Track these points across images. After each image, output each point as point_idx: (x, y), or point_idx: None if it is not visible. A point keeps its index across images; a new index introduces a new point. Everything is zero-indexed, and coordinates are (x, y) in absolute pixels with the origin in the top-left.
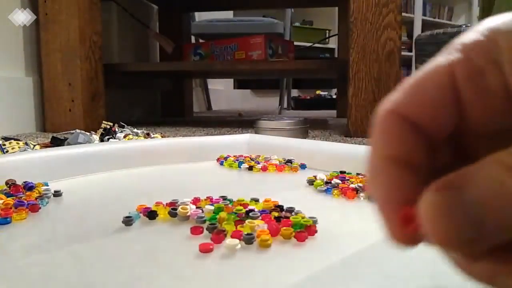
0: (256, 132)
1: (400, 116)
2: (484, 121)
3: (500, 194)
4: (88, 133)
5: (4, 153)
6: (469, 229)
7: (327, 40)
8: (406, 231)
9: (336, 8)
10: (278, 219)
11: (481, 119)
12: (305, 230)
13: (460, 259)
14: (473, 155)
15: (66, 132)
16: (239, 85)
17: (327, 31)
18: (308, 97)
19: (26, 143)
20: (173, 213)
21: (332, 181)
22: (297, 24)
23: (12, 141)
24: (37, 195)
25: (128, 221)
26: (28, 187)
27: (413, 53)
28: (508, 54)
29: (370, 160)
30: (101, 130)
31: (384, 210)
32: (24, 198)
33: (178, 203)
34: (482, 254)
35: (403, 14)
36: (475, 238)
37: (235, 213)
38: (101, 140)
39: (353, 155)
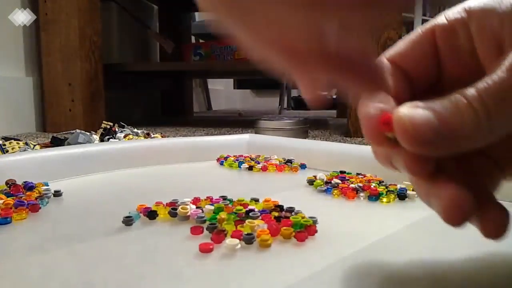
0: (256, 132)
1: (392, 62)
2: (456, 73)
3: (454, 111)
4: (88, 133)
5: (4, 153)
6: (429, 133)
7: None
8: (382, 129)
9: None
10: (278, 219)
11: (454, 70)
12: (305, 230)
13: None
14: None
15: (66, 132)
16: (239, 85)
17: None
18: None
19: (26, 143)
20: (173, 213)
21: (332, 181)
22: None
23: (12, 141)
24: (37, 195)
25: (128, 221)
26: (28, 187)
27: None
28: (475, 23)
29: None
30: (101, 130)
31: (368, 126)
32: (24, 198)
33: (178, 203)
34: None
35: (403, 14)
36: (433, 141)
37: (235, 213)
38: (101, 140)
39: (353, 155)
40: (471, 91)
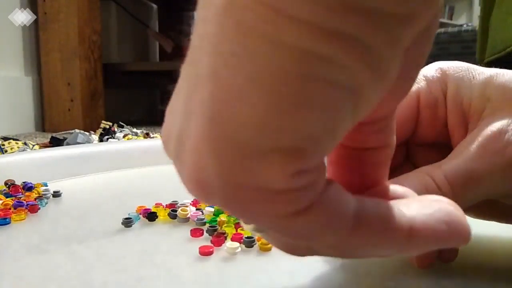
0: None
1: None
2: (427, 135)
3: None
4: (87, 133)
5: (3, 153)
6: None
7: None
8: None
9: None
10: None
11: (426, 134)
12: None
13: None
14: (413, 159)
15: (65, 132)
16: None
17: None
18: None
19: (25, 143)
20: (173, 215)
21: None
22: None
23: (11, 141)
24: (36, 195)
25: (127, 222)
26: (27, 187)
27: None
28: (451, 96)
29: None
30: (100, 130)
31: None
32: (23, 198)
33: (178, 204)
34: None
35: None
36: None
37: None
38: (101, 140)
39: None
40: (439, 175)
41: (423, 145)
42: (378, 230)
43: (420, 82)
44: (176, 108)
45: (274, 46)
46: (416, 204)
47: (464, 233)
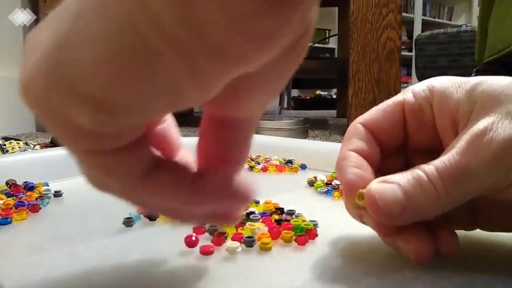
0: (256, 132)
1: (366, 127)
2: (419, 141)
3: (417, 188)
4: None
5: (4, 153)
6: (396, 208)
7: (327, 40)
8: (356, 206)
9: (336, 8)
10: (278, 222)
11: (417, 139)
12: (306, 233)
13: None
14: (411, 164)
15: None
16: None
17: (327, 31)
18: (308, 97)
19: (26, 143)
20: None
21: (333, 182)
22: None
23: (12, 141)
24: (38, 195)
25: (128, 222)
26: (29, 187)
27: (413, 53)
28: (437, 103)
29: (341, 152)
30: None
31: (345, 190)
32: (25, 198)
33: None
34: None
35: (403, 14)
36: (398, 214)
37: None
38: None
39: None
40: (431, 169)
41: (419, 152)
42: (164, 183)
43: (406, 94)
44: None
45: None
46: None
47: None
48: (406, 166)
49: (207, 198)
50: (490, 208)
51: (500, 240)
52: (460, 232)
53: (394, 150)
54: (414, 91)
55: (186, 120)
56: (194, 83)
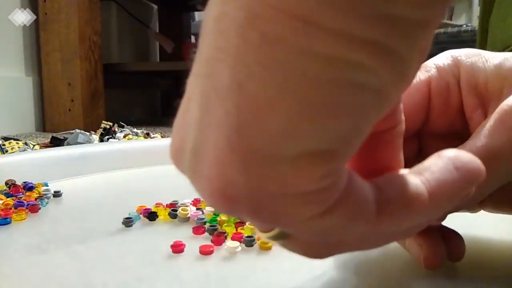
0: None
1: None
2: (440, 125)
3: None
4: (87, 133)
5: (3, 153)
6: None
7: None
8: None
9: None
10: None
11: (439, 122)
12: None
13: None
14: (426, 152)
15: (65, 132)
16: None
17: None
18: None
19: (25, 143)
20: (173, 215)
21: None
22: None
23: (12, 141)
24: (37, 195)
25: (128, 222)
26: (28, 187)
27: None
28: (465, 81)
29: None
30: (100, 130)
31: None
32: (24, 198)
33: (178, 204)
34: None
35: None
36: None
37: None
38: (101, 140)
39: None
40: None
41: (436, 136)
42: (401, 207)
43: (430, 70)
44: (187, 122)
45: (304, 55)
46: (423, 167)
47: (475, 169)
48: (420, 151)
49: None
50: (501, 189)
51: (502, 240)
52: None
53: (410, 134)
54: (438, 66)
55: None
56: (398, 75)
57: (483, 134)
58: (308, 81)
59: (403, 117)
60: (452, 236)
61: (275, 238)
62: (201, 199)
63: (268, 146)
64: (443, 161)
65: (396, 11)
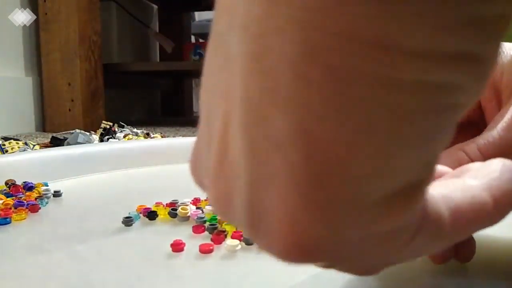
0: None
1: None
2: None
3: (454, 163)
4: (87, 133)
5: (3, 153)
6: None
7: None
8: None
9: None
10: None
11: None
12: None
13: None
14: None
15: (65, 132)
16: None
17: None
18: None
19: (25, 143)
20: (173, 214)
21: None
22: None
23: (12, 141)
24: (37, 195)
25: (128, 221)
26: (28, 187)
27: None
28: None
29: None
30: (100, 130)
31: None
32: (24, 198)
33: (178, 203)
34: None
35: None
36: None
37: None
38: (101, 140)
39: None
40: (472, 148)
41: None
42: (472, 216)
43: None
44: (230, 172)
45: (387, 87)
46: (481, 174)
47: None
48: None
49: None
50: None
51: (502, 240)
52: None
53: None
54: None
55: (186, 120)
56: (483, 82)
57: (500, 127)
58: (395, 115)
59: None
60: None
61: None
62: (201, 199)
63: (351, 193)
64: (497, 169)
65: (492, 10)
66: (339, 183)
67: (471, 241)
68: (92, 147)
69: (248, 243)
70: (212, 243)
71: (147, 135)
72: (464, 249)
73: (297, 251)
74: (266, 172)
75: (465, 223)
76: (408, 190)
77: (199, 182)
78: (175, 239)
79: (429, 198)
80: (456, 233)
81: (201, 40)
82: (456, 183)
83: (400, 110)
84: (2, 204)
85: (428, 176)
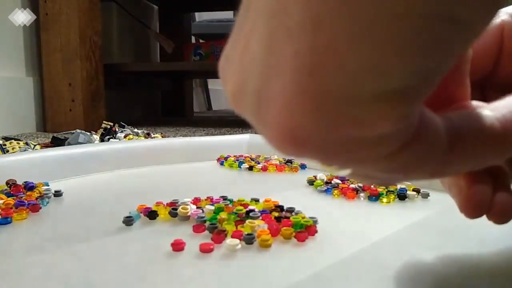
0: (256, 132)
1: None
2: (508, 72)
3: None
4: (88, 133)
5: (4, 153)
6: None
7: None
8: None
9: None
10: (278, 219)
11: (508, 70)
12: (305, 230)
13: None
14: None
15: (66, 132)
16: None
17: None
18: None
19: (26, 143)
20: (173, 213)
21: (332, 181)
22: None
23: (13, 141)
24: (38, 195)
25: (128, 221)
26: (29, 187)
27: None
28: None
29: None
30: (101, 130)
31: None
32: (25, 198)
33: (179, 203)
34: None
35: None
36: None
37: (236, 213)
38: (102, 140)
39: None
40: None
41: (501, 89)
42: (474, 141)
43: (502, 16)
44: (248, 62)
45: None
46: (497, 104)
47: None
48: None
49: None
50: None
51: (503, 241)
52: (462, 232)
53: (476, 82)
54: (510, 13)
55: (186, 120)
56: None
57: None
58: (398, 16)
59: (471, 52)
60: (502, 193)
61: (336, 170)
62: (201, 198)
63: (345, 87)
64: None
65: None
66: (334, 75)
67: (506, 198)
68: (92, 147)
69: (248, 242)
70: (212, 242)
71: (147, 135)
72: (497, 206)
73: (288, 140)
74: (276, 61)
75: (466, 148)
76: (399, 95)
77: (223, 77)
78: (175, 238)
79: (428, 115)
80: (456, 158)
81: (201, 41)
82: (469, 111)
83: (404, 12)
84: (3, 204)
85: (422, 87)
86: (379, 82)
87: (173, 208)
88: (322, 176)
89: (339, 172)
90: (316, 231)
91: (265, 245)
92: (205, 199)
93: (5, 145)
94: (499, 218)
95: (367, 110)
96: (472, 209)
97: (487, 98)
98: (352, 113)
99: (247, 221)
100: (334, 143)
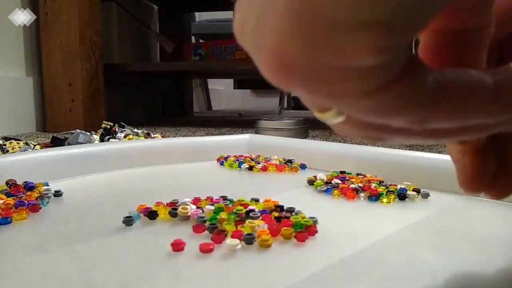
0: (256, 132)
1: None
2: None
3: None
4: (88, 133)
5: (4, 153)
6: None
7: None
8: None
9: None
10: (278, 219)
11: None
12: (305, 230)
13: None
14: (504, 64)
15: (66, 132)
16: (239, 85)
17: None
18: None
19: (26, 143)
20: (173, 213)
21: (332, 181)
22: None
23: (13, 141)
24: (38, 195)
25: (128, 221)
26: (29, 187)
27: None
28: None
29: None
30: (101, 130)
31: None
32: (25, 198)
33: (179, 203)
34: None
35: None
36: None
37: (236, 213)
38: (102, 140)
39: (353, 155)
40: None
41: None
42: (461, 96)
43: None
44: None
45: None
46: (503, 68)
47: None
48: (499, 63)
49: None
50: None
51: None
52: (462, 232)
53: (495, 42)
54: None
55: (186, 120)
56: None
57: None
58: None
59: (493, 19)
60: (505, 172)
61: (330, 117)
62: (201, 198)
63: (329, 12)
64: None
65: None
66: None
67: (505, 179)
68: (92, 147)
69: (248, 242)
70: (212, 242)
71: (147, 135)
72: (497, 183)
73: (276, 67)
74: None
75: (452, 101)
76: (379, 27)
77: (236, 13)
78: (175, 238)
79: (418, 64)
80: (440, 111)
81: (201, 41)
82: (465, 69)
83: None
84: (3, 204)
85: (401, 23)
86: (360, 10)
87: (173, 208)
88: (322, 176)
89: (331, 119)
90: (316, 231)
91: (265, 245)
92: (205, 199)
93: (5, 145)
94: (495, 197)
95: (347, 37)
96: (470, 189)
97: (504, 56)
98: (333, 40)
99: (247, 221)
100: (318, 71)
